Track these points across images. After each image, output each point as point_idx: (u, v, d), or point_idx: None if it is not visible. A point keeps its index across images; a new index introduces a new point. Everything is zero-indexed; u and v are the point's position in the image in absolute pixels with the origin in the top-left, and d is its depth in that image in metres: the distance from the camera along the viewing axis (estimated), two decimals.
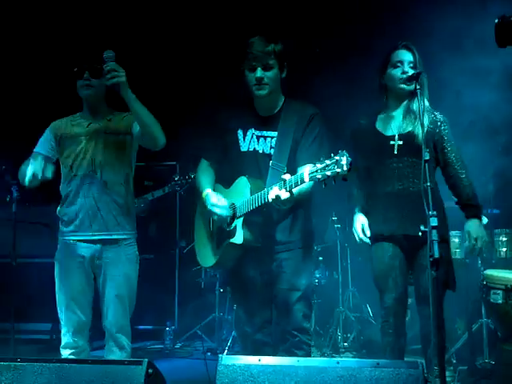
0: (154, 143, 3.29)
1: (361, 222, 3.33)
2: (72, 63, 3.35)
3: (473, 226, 3.22)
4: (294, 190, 2.79)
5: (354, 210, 3.40)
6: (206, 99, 6.19)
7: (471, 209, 3.26)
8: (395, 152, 3.24)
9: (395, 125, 3.32)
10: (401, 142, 3.24)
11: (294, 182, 2.72)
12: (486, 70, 4.33)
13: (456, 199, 3.31)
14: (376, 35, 4.99)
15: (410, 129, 3.25)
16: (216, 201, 3.10)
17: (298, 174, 2.72)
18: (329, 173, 2.55)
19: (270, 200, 2.80)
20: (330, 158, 2.57)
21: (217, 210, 3.09)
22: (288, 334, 3.11)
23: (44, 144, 3.43)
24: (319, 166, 2.59)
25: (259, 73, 3.07)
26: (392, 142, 3.26)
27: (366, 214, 3.36)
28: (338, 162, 2.53)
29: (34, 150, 3.44)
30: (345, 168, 2.51)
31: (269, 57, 3.06)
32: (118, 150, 3.36)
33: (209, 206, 3.13)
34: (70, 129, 3.40)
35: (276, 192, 2.77)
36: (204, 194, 3.19)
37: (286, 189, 2.75)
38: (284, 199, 2.76)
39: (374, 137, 3.34)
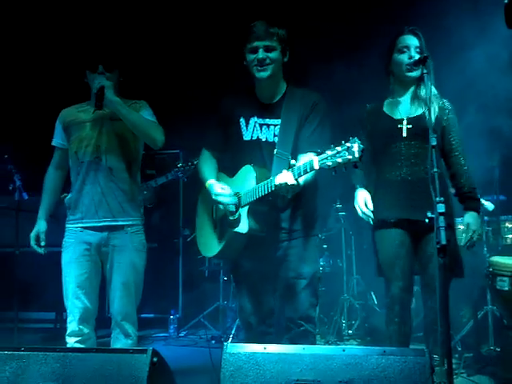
0: (151, 143, 3.34)
1: (363, 196, 3.27)
2: (83, 54, 3.37)
3: (473, 218, 3.21)
4: (301, 179, 2.77)
5: (356, 186, 3.34)
6: (206, 87, 6.17)
7: (472, 201, 3.25)
8: (404, 135, 3.21)
9: (403, 109, 3.28)
10: (410, 126, 3.21)
11: (303, 170, 2.69)
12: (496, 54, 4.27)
13: (455, 189, 3.28)
14: (383, 21, 4.95)
15: (419, 113, 3.22)
16: (220, 190, 3.07)
17: (308, 161, 2.67)
18: (340, 160, 2.52)
19: (277, 184, 2.75)
20: (341, 144, 2.54)
21: (222, 199, 3.06)
22: (293, 323, 3.08)
23: (58, 135, 3.48)
24: (330, 152, 2.56)
25: (261, 54, 3.02)
26: (400, 126, 3.22)
27: (371, 197, 3.31)
28: (349, 149, 2.51)
29: (52, 143, 3.50)
30: (356, 155, 2.49)
31: (271, 38, 3.02)
32: (122, 137, 3.36)
33: (213, 196, 3.09)
34: (76, 115, 3.43)
35: (283, 177, 2.73)
36: (207, 184, 3.16)
37: (293, 175, 2.72)
38: (290, 185, 2.72)
39: (381, 120, 3.30)
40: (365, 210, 3.23)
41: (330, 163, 2.55)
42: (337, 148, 2.55)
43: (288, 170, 2.75)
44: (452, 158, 3.25)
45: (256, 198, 2.94)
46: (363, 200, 3.25)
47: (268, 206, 3.04)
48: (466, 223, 3.21)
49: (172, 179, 5.72)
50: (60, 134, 3.46)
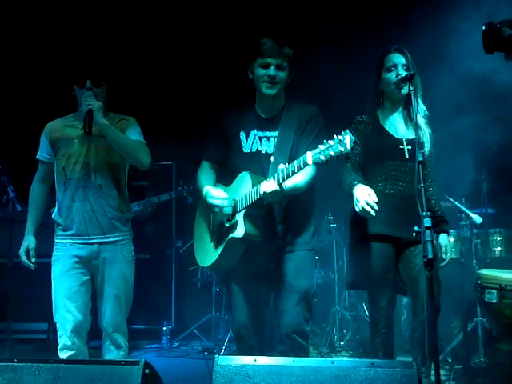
0: (137, 165, 3.38)
1: (366, 190, 3.04)
2: (71, 69, 3.37)
3: (446, 240, 3.33)
4: (287, 184, 2.82)
5: (354, 183, 3.12)
6: (199, 98, 6.21)
7: (443, 224, 3.35)
8: (407, 156, 3.27)
9: (400, 129, 3.34)
10: (409, 147, 3.27)
11: (292, 170, 2.75)
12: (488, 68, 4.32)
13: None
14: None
15: (414, 135, 3.26)
16: (216, 194, 3.12)
17: (301, 157, 2.73)
18: (332, 152, 2.61)
19: (261, 192, 2.84)
20: (333, 138, 2.62)
21: (217, 202, 3.11)
22: (287, 337, 3.08)
23: (43, 149, 3.46)
24: (322, 147, 2.64)
25: (273, 71, 3.10)
26: (402, 147, 3.28)
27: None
28: (341, 142, 2.59)
29: (37, 156, 3.48)
30: (348, 147, 2.57)
31: (284, 58, 3.10)
32: (111, 154, 3.36)
33: (209, 201, 3.14)
34: (64, 130, 3.40)
35: (266, 185, 2.82)
36: (204, 191, 3.20)
37: (274, 179, 2.79)
38: (273, 191, 2.80)
39: (382, 135, 3.33)
40: (370, 200, 2.98)
41: (322, 157, 2.63)
42: (329, 142, 2.63)
43: (268, 179, 2.83)
44: (426, 183, 3.25)
45: (251, 202, 2.97)
46: (366, 192, 3.03)
47: (264, 211, 3.07)
48: (444, 245, 3.30)
49: (176, 197, 5.77)
50: (46, 148, 3.44)
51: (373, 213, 3.00)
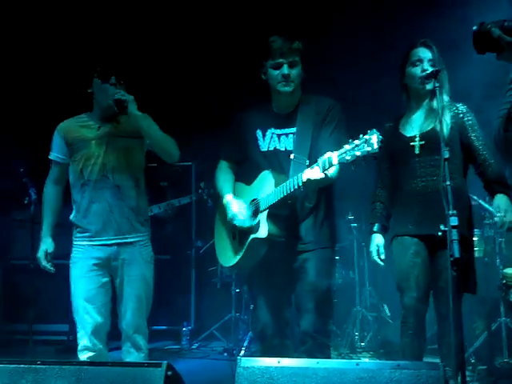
0: (168, 158, 3.35)
1: (376, 243, 3.36)
2: (96, 63, 3.35)
3: (502, 200, 3.11)
4: (329, 172, 2.76)
5: (372, 229, 3.41)
6: (218, 98, 6.20)
7: (501, 186, 3.16)
8: (417, 152, 3.22)
9: (416, 124, 3.30)
10: (423, 142, 3.22)
11: (327, 164, 2.69)
12: None
13: (484, 184, 3.22)
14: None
15: (430, 127, 3.23)
16: (236, 210, 3.10)
17: (326, 157, 2.68)
18: (358, 153, 2.54)
19: (305, 179, 2.75)
20: (359, 138, 2.56)
21: (236, 222, 3.09)
22: (309, 337, 3.06)
23: (58, 149, 3.41)
24: (348, 147, 2.58)
25: (286, 70, 3.06)
26: (412, 143, 3.24)
27: (390, 217, 3.38)
28: (367, 141, 2.52)
29: (50, 157, 3.44)
30: (375, 146, 2.49)
31: (294, 54, 3.07)
32: (128, 154, 3.36)
33: (229, 215, 3.12)
34: (80, 131, 3.38)
35: (311, 173, 2.74)
36: (225, 201, 3.19)
37: (319, 168, 2.71)
38: (319, 179, 2.72)
39: (395, 138, 3.32)
40: (376, 259, 3.35)
41: (348, 157, 2.57)
42: (355, 142, 2.56)
43: (310, 167, 2.77)
44: (477, 156, 3.19)
45: (277, 201, 2.94)
46: (375, 248, 3.35)
47: (288, 211, 3.04)
48: (497, 205, 3.11)
49: (195, 200, 5.78)
50: (61, 149, 3.39)
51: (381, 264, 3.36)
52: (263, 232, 2.99)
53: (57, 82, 6.18)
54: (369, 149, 2.51)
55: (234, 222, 3.10)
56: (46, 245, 3.41)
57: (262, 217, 3.02)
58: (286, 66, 3.07)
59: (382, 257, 3.33)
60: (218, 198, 3.34)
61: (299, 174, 2.82)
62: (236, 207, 3.11)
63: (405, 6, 5.42)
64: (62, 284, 3.45)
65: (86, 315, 3.24)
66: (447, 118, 3.19)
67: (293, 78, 3.08)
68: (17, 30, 5.86)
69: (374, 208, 3.43)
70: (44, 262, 3.38)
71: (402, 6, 5.45)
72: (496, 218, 3.12)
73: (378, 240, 3.37)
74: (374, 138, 2.50)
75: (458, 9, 4.74)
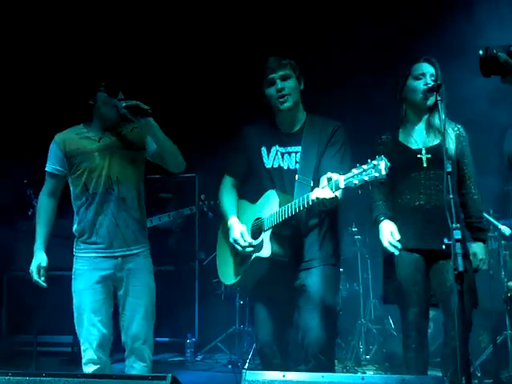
0: (175, 167, 3.35)
1: (389, 228, 3.16)
2: (98, 79, 3.34)
3: (479, 248, 3.25)
4: (337, 193, 2.76)
5: (379, 219, 3.24)
6: (221, 110, 6.22)
7: (480, 232, 3.29)
8: (424, 165, 3.23)
9: (419, 139, 3.31)
10: (429, 156, 3.23)
11: (331, 188, 2.70)
12: None
13: (463, 216, 3.30)
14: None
15: (437, 142, 3.25)
16: (238, 235, 3.09)
17: (333, 180, 2.69)
18: (366, 177, 2.55)
19: (314, 198, 2.74)
20: (367, 163, 2.57)
21: (238, 247, 3.09)
22: (312, 357, 2.99)
23: (55, 161, 3.37)
24: (356, 171, 2.59)
25: (279, 84, 3.10)
26: (419, 156, 3.25)
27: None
28: (375, 167, 2.54)
29: (46, 169, 3.39)
30: (383, 172, 2.52)
31: (285, 67, 3.11)
32: (131, 165, 3.37)
33: (231, 239, 3.13)
34: (80, 143, 3.34)
35: (321, 192, 2.73)
36: (228, 224, 3.20)
37: (331, 188, 2.70)
38: (329, 198, 2.71)
39: (398, 150, 3.31)
40: (392, 240, 3.10)
41: (356, 181, 2.58)
42: (363, 166, 2.58)
43: (321, 186, 2.76)
44: (464, 182, 3.28)
45: (281, 221, 2.93)
46: (389, 232, 3.14)
47: (291, 231, 3.04)
48: (473, 252, 3.23)
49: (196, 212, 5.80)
50: (59, 161, 3.34)
51: (396, 252, 3.09)
52: (266, 251, 2.99)
53: (59, 93, 6.21)
54: (376, 174, 2.53)
55: (236, 246, 3.11)
56: (40, 259, 3.32)
57: (266, 236, 3.02)
58: (278, 81, 3.11)
59: (398, 238, 3.09)
60: (221, 216, 3.35)
61: (308, 194, 2.82)
62: (238, 233, 3.10)
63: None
64: (67, 295, 3.45)
65: (92, 327, 3.21)
66: (451, 133, 3.24)
67: (288, 91, 3.10)
68: (12, 42, 5.90)
69: (377, 206, 3.30)
70: (36, 277, 3.29)
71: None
72: (473, 265, 3.22)
73: (389, 225, 3.17)
74: (383, 165, 2.52)
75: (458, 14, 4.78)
